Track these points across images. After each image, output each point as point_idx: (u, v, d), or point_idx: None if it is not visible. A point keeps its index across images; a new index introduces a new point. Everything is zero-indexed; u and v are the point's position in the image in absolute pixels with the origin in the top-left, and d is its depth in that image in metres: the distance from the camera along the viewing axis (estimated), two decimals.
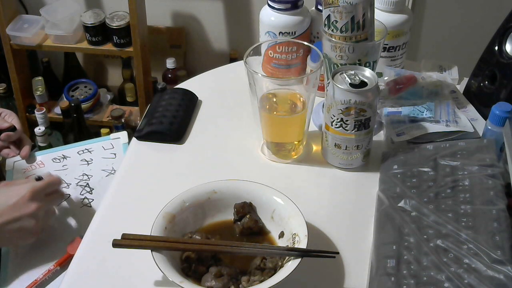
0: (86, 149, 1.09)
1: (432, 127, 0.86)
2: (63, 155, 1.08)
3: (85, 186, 1.02)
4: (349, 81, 0.77)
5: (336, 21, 0.79)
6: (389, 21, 0.93)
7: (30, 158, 1.08)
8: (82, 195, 1.00)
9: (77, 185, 1.02)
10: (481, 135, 0.84)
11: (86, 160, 1.07)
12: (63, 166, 1.06)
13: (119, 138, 1.11)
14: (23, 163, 1.07)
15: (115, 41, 1.81)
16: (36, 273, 0.87)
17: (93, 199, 1.00)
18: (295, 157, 0.88)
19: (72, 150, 1.10)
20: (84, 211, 0.98)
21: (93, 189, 1.01)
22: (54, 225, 0.95)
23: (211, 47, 2.10)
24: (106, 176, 1.03)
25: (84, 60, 2.17)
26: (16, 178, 1.05)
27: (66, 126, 1.84)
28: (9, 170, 1.06)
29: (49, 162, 1.07)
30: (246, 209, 0.73)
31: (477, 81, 0.94)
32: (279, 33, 0.98)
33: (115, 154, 1.07)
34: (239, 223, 0.73)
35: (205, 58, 2.10)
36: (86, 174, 1.04)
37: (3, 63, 1.89)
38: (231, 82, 1.06)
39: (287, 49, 0.91)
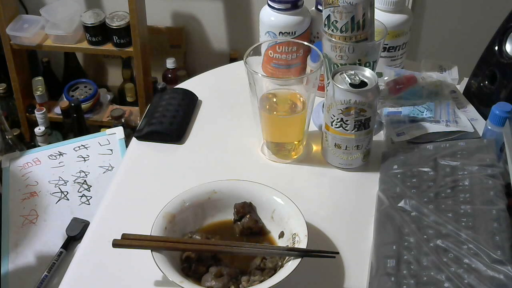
0: (82, 145, 1.09)
1: (432, 127, 0.86)
2: (59, 151, 1.08)
3: (83, 183, 1.02)
4: (349, 81, 0.77)
5: (336, 21, 0.79)
6: (389, 21, 0.93)
7: (22, 157, 1.08)
8: (80, 192, 1.00)
9: (74, 182, 1.02)
10: (481, 135, 0.84)
11: (82, 157, 1.06)
12: (59, 163, 1.06)
13: (115, 133, 1.10)
14: (19, 161, 1.07)
15: (115, 41, 1.81)
16: (36, 271, 0.87)
17: (91, 197, 1.00)
18: (295, 157, 0.88)
19: (68, 146, 1.09)
20: (82, 209, 0.98)
21: (90, 186, 1.01)
22: (53, 223, 0.95)
23: (211, 47, 2.10)
24: (104, 173, 1.03)
25: (84, 60, 2.16)
26: (12, 176, 1.05)
27: (66, 126, 1.84)
28: (5, 168, 1.06)
29: (45, 159, 1.07)
30: (246, 209, 0.73)
31: (477, 81, 0.94)
32: (279, 33, 0.98)
33: (111, 150, 1.07)
34: (239, 223, 0.73)
35: (205, 58, 2.10)
36: (83, 171, 1.04)
37: (3, 63, 1.89)
38: (231, 82, 1.06)
39: (287, 49, 0.91)
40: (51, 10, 1.81)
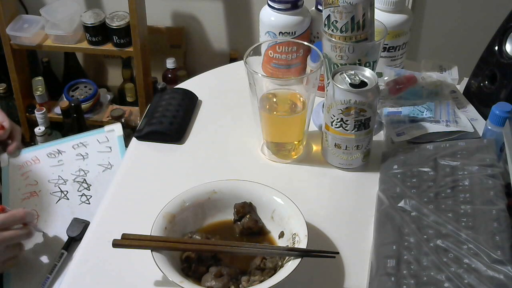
0: (81, 143, 1.08)
1: (432, 127, 0.86)
2: (58, 149, 1.07)
3: (82, 182, 1.02)
4: (349, 81, 0.77)
5: (336, 21, 0.79)
6: (389, 21, 0.93)
7: (21, 156, 1.07)
8: (80, 191, 1.00)
9: (74, 181, 1.02)
10: (481, 135, 0.84)
11: (81, 155, 1.06)
12: (58, 161, 1.05)
13: (113, 130, 1.10)
14: (18, 159, 1.07)
15: (115, 41, 1.81)
16: (38, 273, 0.87)
17: (91, 196, 1.00)
18: (295, 157, 0.88)
19: (67, 144, 1.09)
20: (82, 208, 0.98)
21: (90, 185, 1.01)
22: (54, 224, 0.95)
23: (211, 47, 2.10)
24: (103, 171, 1.03)
25: (84, 60, 2.17)
26: (12, 175, 1.04)
27: (66, 126, 1.84)
28: (4, 167, 1.06)
29: (44, 157, 1.06)
30: (246, 209, 0.73)
31: (477, 81, 0.94)
32: (279, 33, 0.98)
33: (110, 147, 1.07)
34: (239, 223, 0.73)
35: (205, 58, 2.10)
36: (82, 170, 1.04)
37: (3, 63, 1.89)
38: (231, 82, 1.06)
39: (287, 49, 0.91)
40: (51, 10, 1.81)
